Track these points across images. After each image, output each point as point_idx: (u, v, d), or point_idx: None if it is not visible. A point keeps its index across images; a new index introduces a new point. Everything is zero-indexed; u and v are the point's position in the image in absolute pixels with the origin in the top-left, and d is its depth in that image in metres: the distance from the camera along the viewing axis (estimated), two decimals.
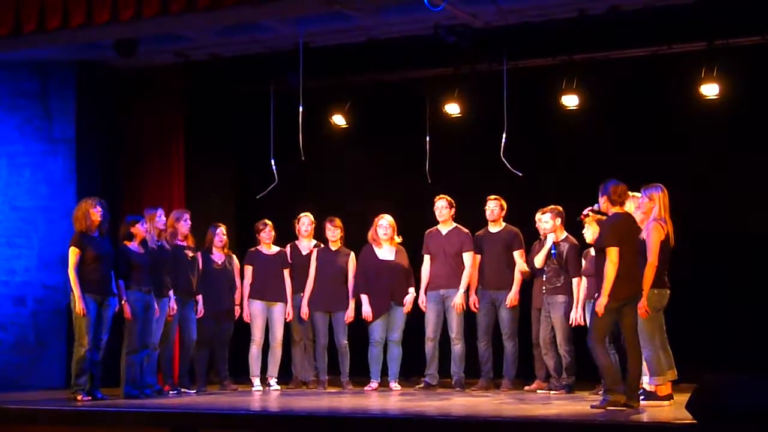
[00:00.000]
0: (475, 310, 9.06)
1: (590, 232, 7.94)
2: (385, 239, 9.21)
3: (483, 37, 8.72)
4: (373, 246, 9.26)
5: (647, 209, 7.38)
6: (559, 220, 8.63)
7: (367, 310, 9.17)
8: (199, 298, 9.08)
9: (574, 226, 8.32)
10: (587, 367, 8.40)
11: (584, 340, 7.36)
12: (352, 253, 9.41)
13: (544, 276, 8.67)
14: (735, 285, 8.85)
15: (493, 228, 9.11)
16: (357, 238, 9.48)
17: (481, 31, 8.63)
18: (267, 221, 9.48)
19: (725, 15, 8.30)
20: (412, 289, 9.20)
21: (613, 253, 6.98)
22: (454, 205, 9.17)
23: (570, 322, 8.50)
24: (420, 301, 9.17)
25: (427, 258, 9.22)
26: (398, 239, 9.26)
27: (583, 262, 8.38)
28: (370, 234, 9.26)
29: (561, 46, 9.06)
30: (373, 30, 8.82)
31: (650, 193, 7.37)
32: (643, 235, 7.28)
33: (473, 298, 9.06)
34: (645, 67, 9.17)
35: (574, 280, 8.53)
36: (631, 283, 7.09)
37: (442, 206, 9.17)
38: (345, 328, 9.33)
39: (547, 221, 8.65)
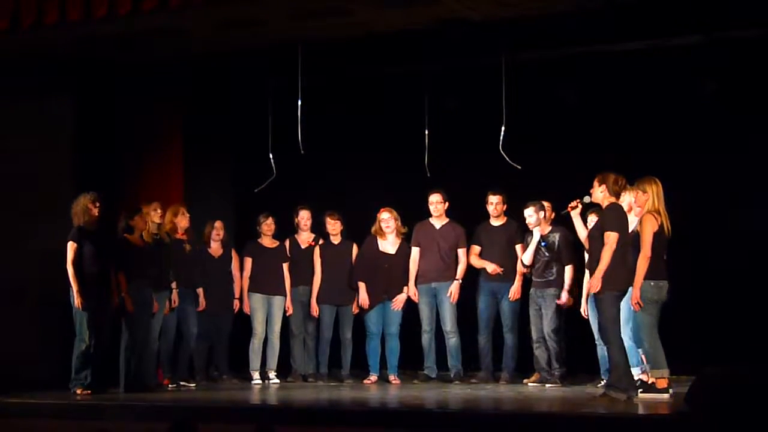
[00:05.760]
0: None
1: (581, 227, 7.92)
2: (389, 231, 9.24)
3: (482, 31, 8.71)
4: (378, 238, 9.28)
5: (642, 202, 7.41)
6: (543, 213, 8.64)
7: (363, 297, 9.20)
8: (200, 291, 9.10)
9: (560, 219, 8.35)
10: (581, 359, 8.44)
11: (579, 332, 7.41)
12: (355, 245, 9.43)
13: (536, 271, 8.68)
14: (735, 278, 8.85)
15: (495, 222, 9.14)
16: (356, 232, 9.51)
17: (480, 24, 8.62)
18: (269, 214, 9.49)
19: (724, 8, 8.29)
20: (406, 288, 9.20)
21: (613, 238, 7.02)
22: (448, 199, 9.20)
23: (562, 304, 8.49)
24: (412, 293, 9.19)
25: (416, 250, 9.24)
26: (404, 229, 9.27)
27: (587, 256, 8.36)
28: (374, 228, 9.30)
29: (560, 39, 9.04)
30: (372, 24, 8.80)
31: (644, 185, 7.39)
32: (637, 227, 7.31)
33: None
34: (644, 60, 9.16)
35: (567, 268, 8.53)
36: (627, 274, 7.14)
37: (436, 201, 9.20)
38: (351, 321, 9.36)
39: (531, 215, 8.67)
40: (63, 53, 9.13)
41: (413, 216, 9.40)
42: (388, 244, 9.29)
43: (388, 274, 9.22)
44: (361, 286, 9.26)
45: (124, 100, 9.71)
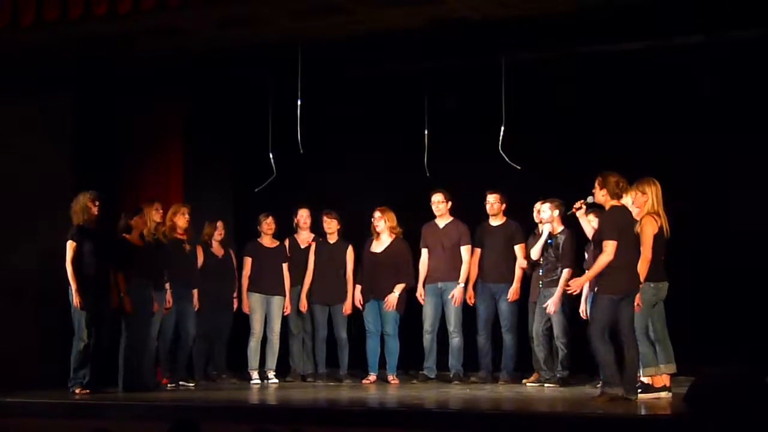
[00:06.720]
0: (471, 302, 9.08)
1: (588, 226, 7.92)
2: (379, 230, 9.25)
3: (482, 30, 8.70)
4: (374, 239, 9.29)
5: (641, 203, 7.41)
6: (557, 213, 8.64)
7: (357, 296, 9.28)
8: (195, 292, 9.09)
9: (569, 220, 8.34)
10: (582, 360, 8.43)
11: (581, 334, 7.41)
12: (351, 246, 9.43)
13: (541, 269, 8.69)
14: (734, 278, 8.84)
15: (493, 222, 9.14)
16: (356, 232, 9.51)
17: (480, 24, 8.61)
18: (269, 213, 9.49)
19: (724, 8, 8.28)
20: (398, 287, 9.18)
21: (610, 247, 7.01)
22: (450, 199, 9.20)
23: (550, 310, 8.49)
24: (418, 294, 9.19)
25: (424, 251, 9.25)
26: (398, 229, 9.26)
27: (586, 255, 8.37)
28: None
29: (559, 39, 9.04)
30: (372, 23, 8.79)
31: (643, 186, 7.40)
32: (636, 228, 7.31)
33: (470, 292, 9.08)
34: (644, 60, 9.15)
35: (564, 271, 8.52)
36: (630, 276, 7.13)
37: (438, 200, 9.20)
38: (344, 320, 9.36)
39: (545, 211, 8.67)
40: (63, 52, 9.12)
41: (413, 216, 9.40)
42: (379, 244, 9.30)
43: (373, 273, 9.23)
44: (357, 287, 9.31)
45: (124, 99, 9.71)
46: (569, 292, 7.55)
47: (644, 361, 7.33)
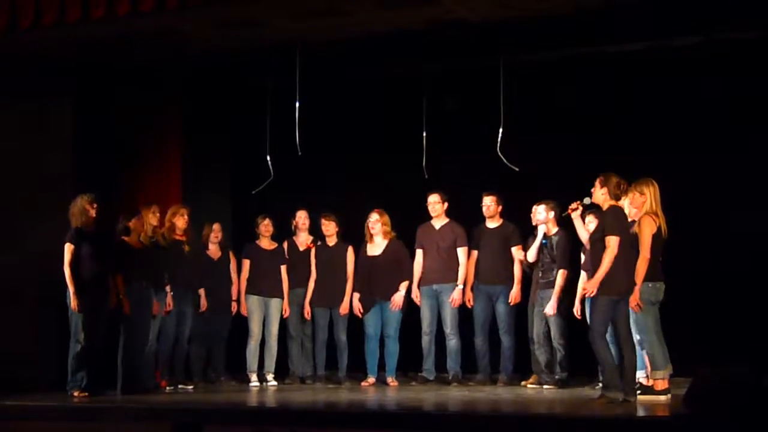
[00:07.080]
0: (469, 305, 9.07)
1: (582, 229, 7.87)
2: (375, 233, 9.23)
3: (480, 32, 8.70)
4: (367, 242, 9.27)
5: (639, 204, 7.41)
6: (552, 214, 8.63)
7: (356, 305, 9.24)
8: (201, 292, 9.10)
9: (564, 221, 8.34)
10: (581, 362, 8.43)
11: (579, 335, 7.40)
12: (351, 247, 9.42)
13: (539, 271, 8.68)
14: (734, 279, 8.84)
15: (490, 223, 9.13)
16: (354, 234, 9.49)
17: (479, 26, 8.61)
18: (267, 215, 9.49)
19: (724, 8, 8.28)
20: (404, 285, 9.17)
21: (614, 242, 7.00)
22: (447, 200, 9.19)
23: (548, 312, 8.49)
24: (414, 295, 9.18)
25: (419, 252, 9.23)
26: (392, 234, 9.25)
27: (582, 257, 8.37)
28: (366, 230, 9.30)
29: (558, 40, 9.04)
30: (371, 24, 8.79)
31: (641, 187, 7.39)
32: (635, 228, 7.31)
33: (468, 294, 9.07)
34: (643, 61, 9.15)
35: (560, 272, 8.51)
36: (628, 278, 7.12)
37: (434, 201, 9.19)
38: (344, 323, 9.34)
39: (541, 213, 8.67)
40: (62, 54, 9.12)
41: (412, 218, 9.39)
42: (375, 247, 9.29)
43: (373, 277, 9.21)
44: (355, 295, 9.28)
45: (123, 101, 9.70)
46: (587, 295, 7.40)
47: (653, 363, 7.31)
